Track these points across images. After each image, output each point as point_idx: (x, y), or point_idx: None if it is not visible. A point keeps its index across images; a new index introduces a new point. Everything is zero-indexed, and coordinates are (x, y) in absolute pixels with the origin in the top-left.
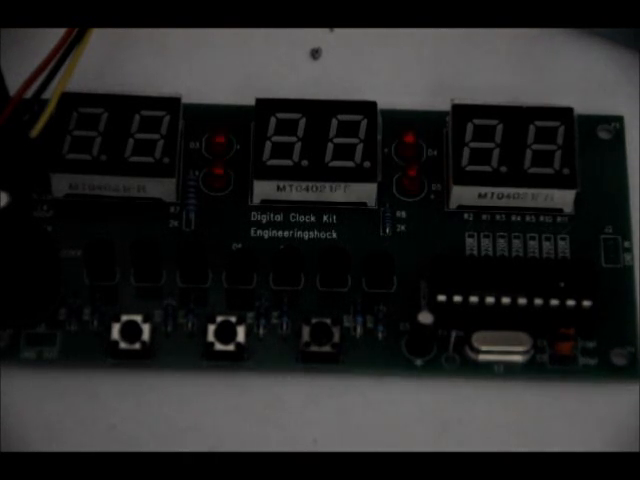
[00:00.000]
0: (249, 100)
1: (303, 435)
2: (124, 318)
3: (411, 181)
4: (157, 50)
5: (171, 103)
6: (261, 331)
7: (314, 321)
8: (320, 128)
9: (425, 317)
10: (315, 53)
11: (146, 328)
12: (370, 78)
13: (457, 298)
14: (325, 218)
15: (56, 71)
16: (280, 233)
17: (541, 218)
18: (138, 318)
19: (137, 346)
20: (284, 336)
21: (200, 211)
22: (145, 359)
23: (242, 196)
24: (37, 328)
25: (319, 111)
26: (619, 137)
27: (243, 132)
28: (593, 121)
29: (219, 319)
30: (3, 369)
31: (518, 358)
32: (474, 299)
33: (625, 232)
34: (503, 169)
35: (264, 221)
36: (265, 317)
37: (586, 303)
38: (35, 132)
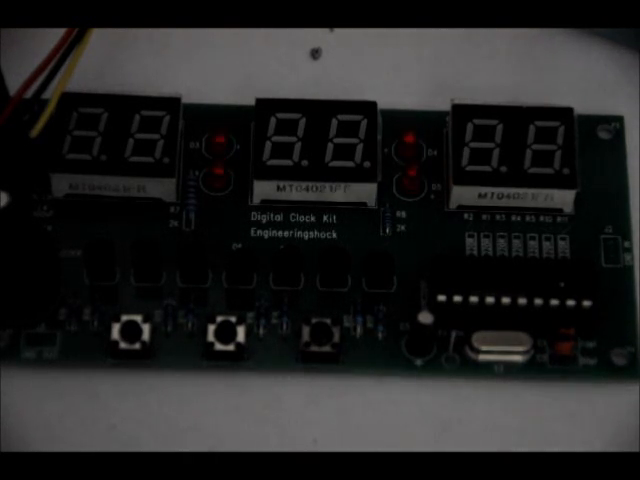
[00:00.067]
0: (249, 100)
1: (303, 435)
2: (124, 318)
3: (411, 181)
4: (157, 50)
5: (171, 103)
6: (261, 331)
7: (314, 321)
8: (320, 128)
9: (425, 317)
10: (315, 53)
11: (146, 328)
12: (370, 78)
13: (457, 298)
14: (325, 218)
15: (56, 71)
16: (280, 233)
17: (541, 218)
18: (138, 318)
19: (137, 346)
20: (284, 336)
21: (200, 211)
22: (145, 359)
23: (242, 196)
24: (37, 328)
25: (319, 111)
26: (619, 137)
27: (243, 132)
28: (593, 121)
29: (219, 319)
30: (3, 369)
31: (518, 358)
32: (474, 299)
33: (625, 232)
34: (503, 169)
35: (264, 221)
36: (265, 317)
37: (586, 303)
38: (35, 132)
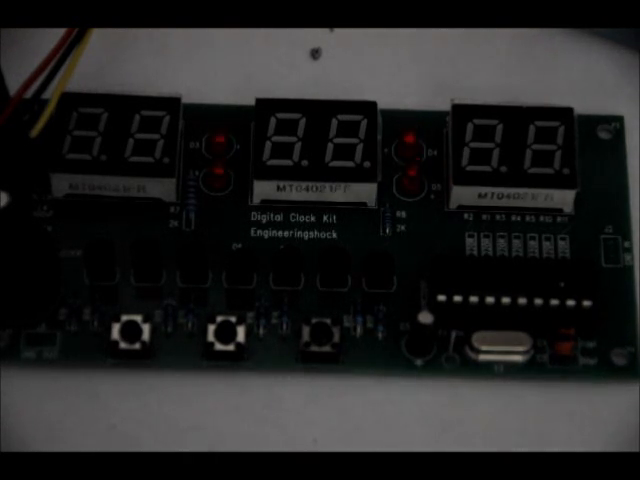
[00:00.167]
0: (249, 100)
1: (303, 435)
2: (124, 318)
3: (411, 181)
4: (157, 50)
5: (171, 103)
6: (261, 331)
7: (314, 321)
8: (320, 128)
9: (425, 317)
10: (315, 53)
11: (146, 328)
12: (370, 78)
13: (457, 298)
14: (325, 218)
15: (56, 71)
16: (280, 233)
17: (541, 218)
18: (138, 318)
19: (137, 346)
20: (284, 336)
21: (200, 211)
22: (145, 359)
23: (242, 196)
24: (37, 328)
25: (319, 111)
26: (619, 137)
27: (243, 132)
28: (593, 121)
29: (219, 319)
30: (3, 369)
31: (518, 358)
32: (474, 299)
33: (625, 232)
34: (503, 169)
35: (264, 221)
36: (265, 317)
37: (586, 303)
38: (35, 132)
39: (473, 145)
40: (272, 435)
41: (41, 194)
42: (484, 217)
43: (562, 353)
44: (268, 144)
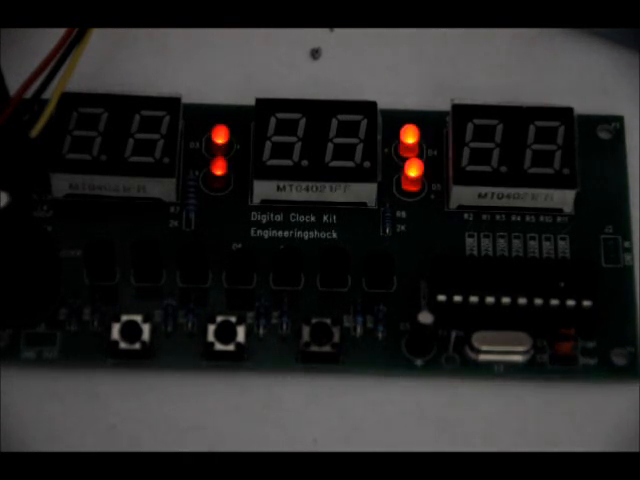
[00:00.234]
0: (249, 100)
1: (303, 435)
2: (124, 318)
3: (411, 181)
4: (157, 50)
5: (171, 103)
6: (261, 331)
7: (314, 321)
8: (320, 128)
9: (425, 317)
10: (315, 53)
11: (146, 328)
12: (370, 78)
13: (457, 298)
14: (325, 218)
15: (56, 71)
16: (280, 233)
17: (541, 218)
18: (138, 318)
19: (137, 346)
20: (284, 336)
21: (200, 211)
22: (145, 359)
23: (242, 196)
24: (37, 328)
25: (319, 111)
26: (619, 137)
27: (243, 132)
28: (593, 121)
29: (219, 319)
30: (3, 369)
31: (518, 358)
32: (474, 299)
33: (625, 232)
34: (503, 169)
35: (264, 221)
36: (265, 317)
37: (586, 303)
38: (35, 132)
39: (473, 145)
40: (272, 435)
41: (41, 194)
42: (484, 217)
43: (562, 353)
44: (268, 144)
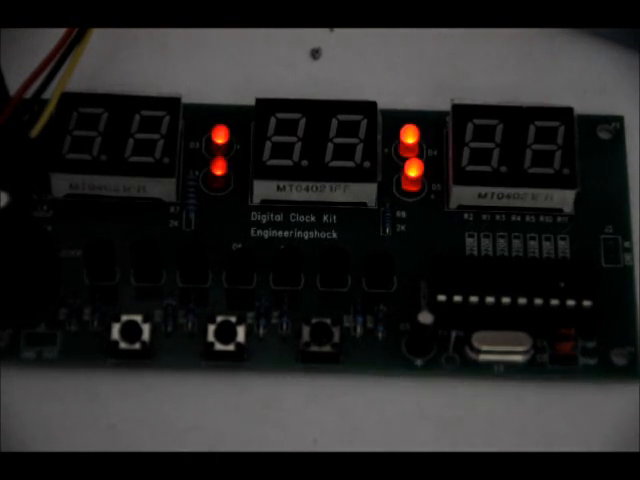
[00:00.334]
0: (249, 100)
1: (303, 435)
2: (124, 318)
3: (411, 181)
4: (157, 50)
5: (171, 103)
6: (261, 331)
7: (314, 321)
8: (320, 128)
9: (425, 317)
10: (315, 53)
11: (146, 328)
12: (370, 78)
13: (457, 298)
14: (325, 218)
15: (56, 71)
16: (280, 233)
17: (541, 218)
18: (138, 318)
19: (137, 346)
20: (284, 336)
21: (200, 211)
22: (145, 359)
23: (242, 196)
24: (37, 328)
25: (319, 111)
26: (619, 137)
27: (243, 132)
28: (593, 121)
29: (219, 319)
30: (3, 369)
31: (518, 358)
32: (474, 299)
33: (625, 232)
34: (503, 169)
35: (264, 221)
36: (265, 317)
37: (586, 303)
38: (35, 132)
39: (473, 145)
40: (272, 435)
41: (41, 194)
42: (484, 217)
43: (562, 353)
44: (268, 144)
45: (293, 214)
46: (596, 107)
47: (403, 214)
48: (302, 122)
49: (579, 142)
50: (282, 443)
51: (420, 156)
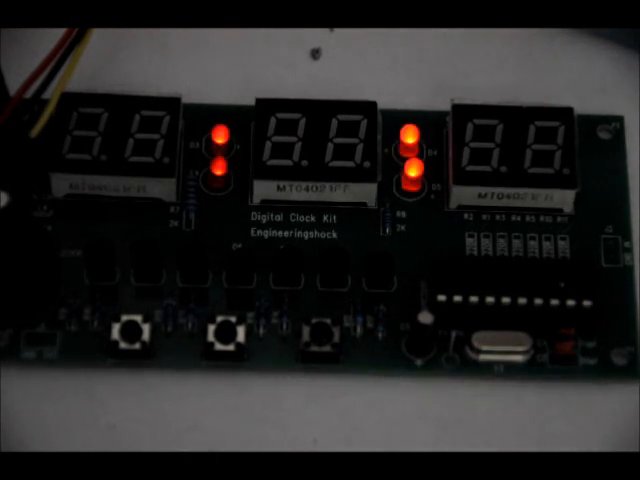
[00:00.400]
0: (249, 100)
1: (303, 435)
2: (124, 318)
3: (411, 181)
4: (157, 50)
5: (171, 103)
6: (261, 331)
7: (314, 321)
8: (320, 128)
9: (425, 317)
10: (315, 53)
11: (146, 328)
12: (370, 78)
13: (457, 298)
14: (325, 218)
15: (56, 71)
16: (280, 233)
17: (541, 218)
18: (138, 318)
19: (137, 346)
20: (284, 336)
21: (200, 211)
22: (145, 359)
23: (242, 196)
24: (37, 328)
25: (319, 111)
26: (619, 137)
27: (243, 132)
28: (593, 121)
29: (219, 319)
30: (3, 369)
31: (518, 358)
32: (474, 299)
33: (625, 232)
34: (503, 169)
35: (264, 221)
36: (265, 317)
37: (586, 303)
38: (35, 132)
39: (473, 145)
40: (272, 435)
41: (41, 194)
42: (484, 217)
43: (562, 353)
44: (268, 144)
45: (293, 214)
46: (596, 107)
47: (403, 214)
48: (302, 122)
49: (579, 142)
50: (282, 443)
51: (420, 156)
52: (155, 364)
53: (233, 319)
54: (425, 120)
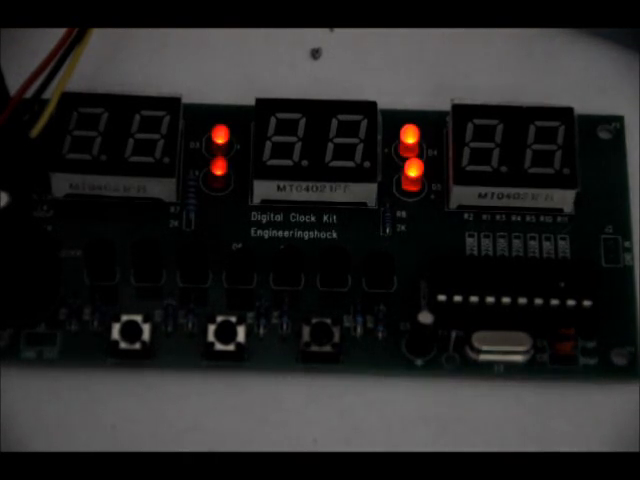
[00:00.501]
0: (249, 100)
1: (303, 435)
2: (124, 318)
3: (411, 181)
4: (157, 50)
5: (171, 103)
6: (261, 331)
7: (314, 321)
8: (320, 128)
9: (425, 317)
10: (315, 53)
11: (146, 328)
12: (370, 78)
13: (457, 298)
14: (325, 218)
15: (56, 71)
16: (280, 233)
17: (541, 218)
18: (138, 318)
19: (137, 346)
20: (284, 336)
21: (200, 211)
22: (145, 359)
23: (242, 196)
24: (37, 328)
25: (319, 111)
26: (619, 137)
27: (243, 132)
28: (593, 121)
29: (219, 319)
30: (3, 369)
31: (518, 358)
32: (474, 299)
33: (625, 232)
34: (503, 169)
35: (264, 221)
36: (265, 317)
37: (586, 303)
38: (35, 132)
39: (473, 145)
40: (272, 435)
41: (41, 194)
42: (484, 217)
43: (562, 353)
44: (268, 144)
45: (293, 214)
46: (596, 107)
47: (403, 214)
48: (302, 122)
49: (579, 142)
50: (282, 443)
51: (420, 156)
52: (155, 364)
53: (233, 319)
54: (425, 120)
